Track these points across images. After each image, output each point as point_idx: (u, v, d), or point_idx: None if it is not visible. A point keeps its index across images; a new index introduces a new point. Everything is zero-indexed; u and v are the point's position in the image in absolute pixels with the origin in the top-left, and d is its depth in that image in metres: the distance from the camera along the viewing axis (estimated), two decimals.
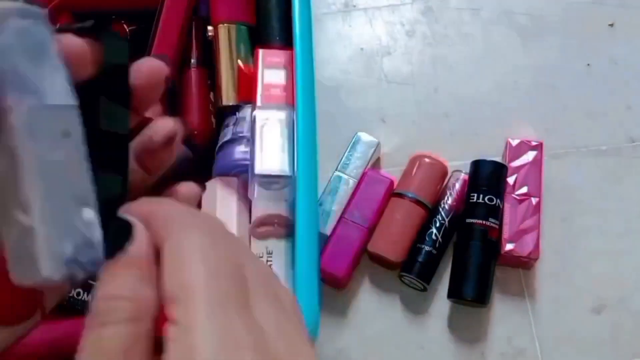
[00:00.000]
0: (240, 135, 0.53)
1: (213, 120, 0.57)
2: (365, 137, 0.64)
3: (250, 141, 0.50)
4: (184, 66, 0.57)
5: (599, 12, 0.72)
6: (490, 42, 0.70)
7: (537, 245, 0.59)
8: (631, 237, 0.60)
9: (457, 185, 0.62)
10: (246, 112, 0.54)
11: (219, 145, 0.55)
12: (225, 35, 0.56)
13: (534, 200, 0.61)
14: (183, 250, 0.24)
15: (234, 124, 0.55)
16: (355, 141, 0.64)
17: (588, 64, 0.70)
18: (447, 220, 0.61)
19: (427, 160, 0.63)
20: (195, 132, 0.57)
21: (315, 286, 0.45)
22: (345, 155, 0.63)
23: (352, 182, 0.62)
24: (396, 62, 0.71)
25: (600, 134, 0.66)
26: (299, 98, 0.46)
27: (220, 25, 0.56)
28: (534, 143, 0.63)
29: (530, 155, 0.63)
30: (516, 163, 0.63)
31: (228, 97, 0.55)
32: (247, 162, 0.50)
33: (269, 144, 0.48)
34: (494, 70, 0.70)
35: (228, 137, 0.54)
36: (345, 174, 0.62)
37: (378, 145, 0.64)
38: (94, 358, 0.24)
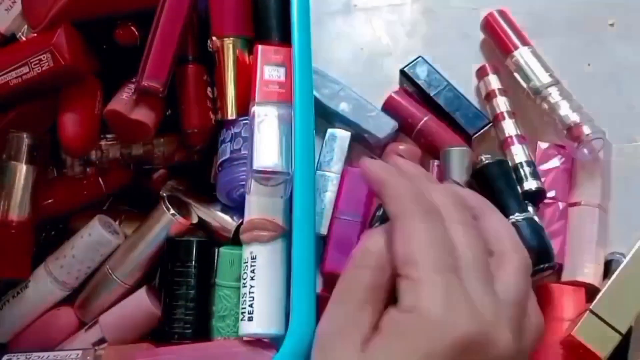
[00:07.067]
0: (238, 155, 0.53)
1: (212, 116, 0.57)
2: (338, 132, 0.65)
3: (248, 136, 0.50)
4: (179, 62, 0.57)
5: (599, 12, 0.72)
6: (490, 42, 0.70)
7: (561, 251, 0.59)
8: (633, 238, 0.60)
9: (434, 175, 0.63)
10: (240, 127, 0.55)
11: (218, 162, 0.56)
12: (228, 50, 0.55)
13: (560, 205, 0.61)
14: (410, 228, 0.36)
15: (230, 141, 0.55)
16: (328, 138, 0.64)
17: (588, 64, 0.70)
18: None
19: (401, 147, 0.64)
20: (195, 131, 0.57)
21: (312, 287, 0.44)
22: (322, 153, 0.64)
23: (335, 179, 0.62)
24: (396, 61, 0.71)
25: None
26: (297, 95, 0.46)
27: (226, 39, 0.55)
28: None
29: (559, 160, 0.63)
30: (545, 166, 0.63)
31: (230, 111, 0.55)
32: (245, 179, 0.51)
33: (266, 140, 0.48)
34: None
35: (226, 155, 0.55)
36: (327, 171, 0.62)
37: (351, 137, 0.65)
38: (349, 287, 0.38)
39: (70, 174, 0.59)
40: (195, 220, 0.57)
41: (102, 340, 0.55)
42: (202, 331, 0.53)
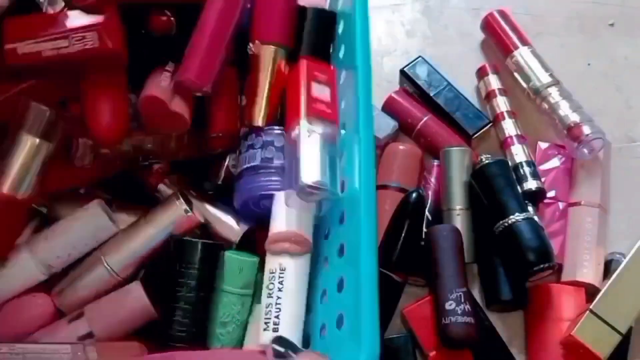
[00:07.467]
0: (270, 164, 0.53)
1: (238, 122, 0.56)
2: None
3: (290, 150, 0.50)
4: None
5: (599, 12, 0.72)
6: (490, 42, 0.70)
7: (561, 251, 0.60)
8: (633, 238, 0.60)
9: (433, 177, 0.63)
10: (273, 136, 0.54)
11: (244, 167, 0.54)
12: (269, 57, 0.55)
13: (560, 205, 0.61)
14: None
15: (261, 147, 0.54)
16: None
17: (588, 64, 0.70)
18: (430, 213, 0.61)
19: (401, 147, 0.64)
20: (220, 135, 0.56)
21: (377, 311, 0.40)
22: None
23: None
24: (396, 61, 0.71)
25: None
26: (361, 119, 0.44)
27: (268, 45, 0.55)
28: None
29: (559, 159, 0.63)
30: (545, 166, 0.63)
31: (261, 117, 0.54)
32: (275, 190, 0.52)
33: (313, 156, 0.48)
34: None
35: (256, 162, 0.54)
36: None
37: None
38: None
39: (78, 165, 0.55)
40: (202, 219, 0.56)
41: (89, 335, 0.51)
42: (199, 335, 0.52)
